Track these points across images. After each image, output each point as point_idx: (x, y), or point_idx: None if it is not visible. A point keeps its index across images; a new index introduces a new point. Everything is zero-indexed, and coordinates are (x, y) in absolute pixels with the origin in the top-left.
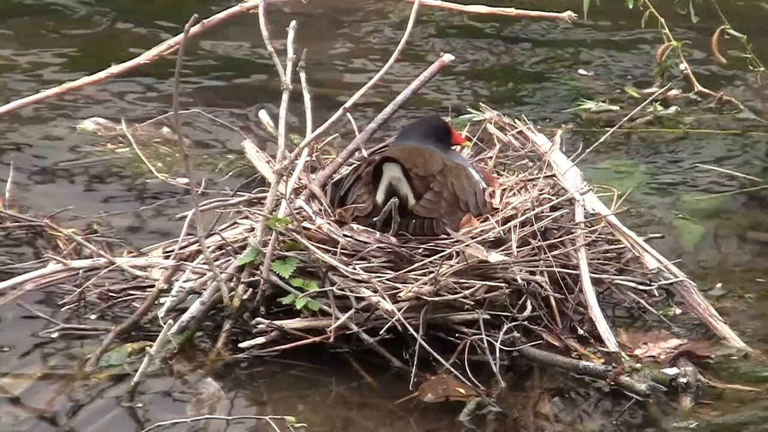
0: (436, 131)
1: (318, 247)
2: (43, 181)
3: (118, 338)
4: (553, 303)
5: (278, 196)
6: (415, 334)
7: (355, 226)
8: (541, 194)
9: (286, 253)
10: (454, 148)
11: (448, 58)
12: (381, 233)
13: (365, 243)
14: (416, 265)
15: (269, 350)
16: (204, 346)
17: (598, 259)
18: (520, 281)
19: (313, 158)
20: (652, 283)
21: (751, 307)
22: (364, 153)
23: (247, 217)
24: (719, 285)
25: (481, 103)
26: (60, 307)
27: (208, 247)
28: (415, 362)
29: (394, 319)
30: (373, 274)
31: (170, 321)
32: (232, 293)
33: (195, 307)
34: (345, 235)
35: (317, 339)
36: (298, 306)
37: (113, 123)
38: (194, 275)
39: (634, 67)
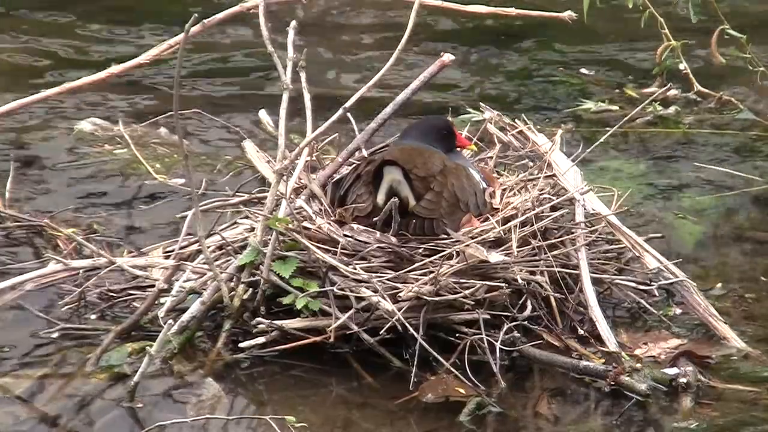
0: (439, 132)
1: (318, 247)
2: (43, 181)
3: (118, 338)
4: (554, 303)
5: (278, 196)
6: (415, 334)
7: (355, 226)
8: (541, 194)
9: (287, 253)
10: (458, 149)
11: (448, 58)
12: (381, 233)
13: (365, 243)
14: (416, 265)
15: (269, 350)
16: (204, 346)
17: (599, 259)
18: (520, 281)
19: (313, 158)
20: (652, 283)
21: (751, 307)
22: (365, 153)
23: (247, 217)
24: (719, 285)
25: (481, 103)
26: (60, 307)
27: (208, 247)
28: (415, 362)
29: (394, 319)
30: (374, 274)
31: (170, 321)
32: (233, 293)
33: (195, 307)
34: (345, 235)
35: (317, 339)
36: (299, 306)
37: (110, 124)
38: (194, 275)
39: (634, 67)
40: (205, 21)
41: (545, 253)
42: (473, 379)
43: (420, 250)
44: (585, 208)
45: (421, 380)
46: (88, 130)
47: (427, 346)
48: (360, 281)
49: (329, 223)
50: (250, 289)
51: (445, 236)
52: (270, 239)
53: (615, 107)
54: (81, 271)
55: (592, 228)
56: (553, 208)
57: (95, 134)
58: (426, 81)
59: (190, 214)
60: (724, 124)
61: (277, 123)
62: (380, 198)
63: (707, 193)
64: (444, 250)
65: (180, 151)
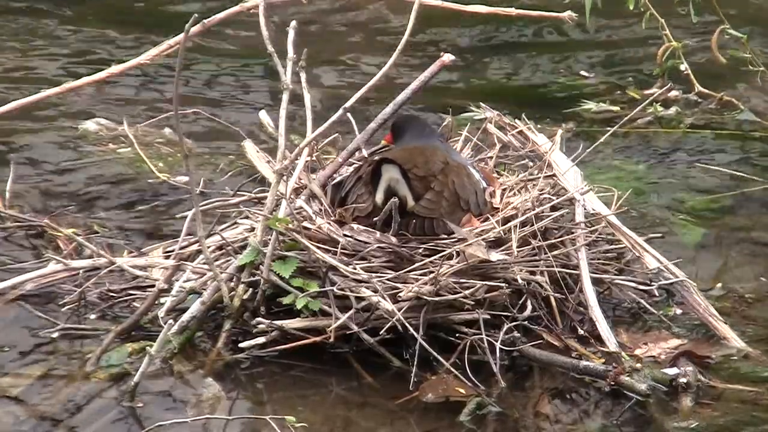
0: (427, 125)
1: (318, 247)
2: (43, 181)
3: (118, 338)
4: (554, 303)
5: (278, 196)
6: (415, 334)
7: (355, 226)
8: (541, 194)
9: (287, 253)
10: (452, 145)
11: (448, 58)
12: (381, 233)
13: (365, 243)
14: (416, 265)
15: (269, 350)
16: (204, 346)
17: (599, 259)
18: (520, 281)
19: (314, 158)
20: (653, 283)
21: (751, 307)
22: (365, 153)
23: (247, 217)
24: (719, 285)
25: (481, 103)
26: (60, 307)
27: (208, 247)
28: (415, 362)
29: (394, 319)
30: (374, 274)
31: (170, 321)
32: (233, 293)
33: (195, 307)
34: (345, 235)
35: (317, 339)
36: (299, 306)
37: (115, 123)
38: (194, 275)
39: (634, 68)
40: (205, 21)
41: (545, 253)
42: (473, 379)
43: (420, 250)
44: (585, 208)
45: (421, 380)
46: (93, 129)
47: (427, 346)
48: (360, 281)
49: (329, 223)
50: (250, 289)
51: (446, 235)
52: (270, 239)
53: (616, 108)
54: (81, 271)
55: (592, 228)
56: (553, 208)
57: (100, 134)
58: (426, 81)
59: (190, 214)
60: (724, 125)
61: (277, 123)
62: (379, 197)
63: (707, 193)
64: (444, 250)
65: (182, 151)
